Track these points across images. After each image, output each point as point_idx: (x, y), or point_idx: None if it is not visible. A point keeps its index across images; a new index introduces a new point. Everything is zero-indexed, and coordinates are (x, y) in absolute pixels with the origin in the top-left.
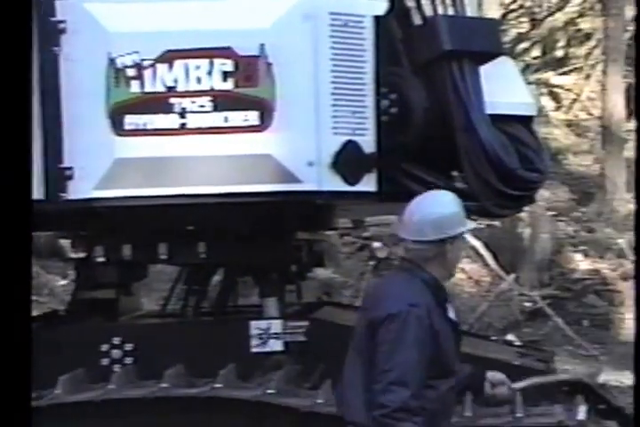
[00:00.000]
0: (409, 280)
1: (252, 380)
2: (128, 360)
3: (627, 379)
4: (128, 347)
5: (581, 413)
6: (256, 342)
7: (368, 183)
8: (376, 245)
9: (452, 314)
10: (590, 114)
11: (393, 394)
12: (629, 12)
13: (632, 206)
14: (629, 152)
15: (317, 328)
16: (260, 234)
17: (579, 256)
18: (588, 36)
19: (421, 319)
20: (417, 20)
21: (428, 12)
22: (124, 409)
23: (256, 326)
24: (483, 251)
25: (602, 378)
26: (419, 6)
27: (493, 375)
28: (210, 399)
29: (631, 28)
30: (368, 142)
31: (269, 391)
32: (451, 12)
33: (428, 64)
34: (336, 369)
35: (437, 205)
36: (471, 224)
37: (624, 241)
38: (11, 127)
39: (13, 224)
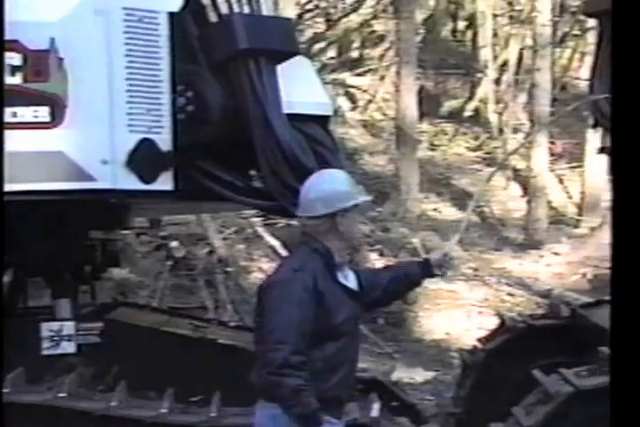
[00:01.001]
0: (299, 250)
1: (42, 383)
2: None
3: (419, 376)
4: None
5: (375, 410)
6: (47, 345)
7: (165, 182)
8: (173, 244)
9: (345, 280)
10: (385, 115)
11: (276, 352)
12: (420, 15)
13: (425, 206)
14: (422, 153)
15: (112, 329)
16: (51, 233)
17: (374, 255)
18: (381, 38)
19: (305, 282)
20: (213, 18)
21: (224, 9)
22: None
23: (47, 327)
24: (281, 250)
25: (395, 375)
26: (214, 4)
27: (435, 259)
28: None
29: (422, 31)
30: (164, 140)
31: (61, 395)
32: (246, 10)
33: (225, 62)
34: (131, 370)
35: (326, 182)
36: (362, 198)
37: (417, 240)
38: None
39: None
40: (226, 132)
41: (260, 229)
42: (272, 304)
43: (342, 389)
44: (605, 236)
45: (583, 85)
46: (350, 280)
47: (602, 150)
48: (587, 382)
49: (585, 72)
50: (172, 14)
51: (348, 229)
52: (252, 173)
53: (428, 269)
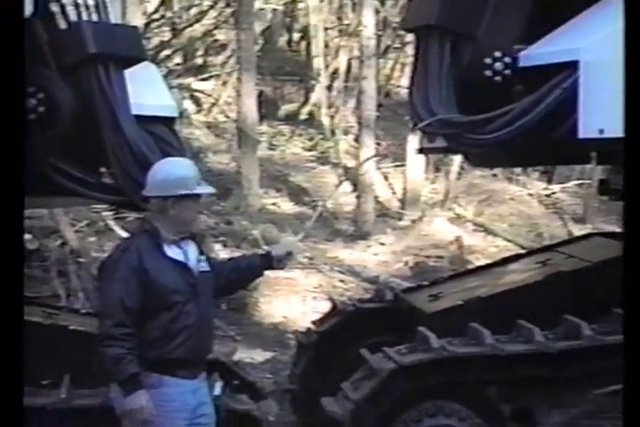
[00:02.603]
0: (136, 231)
1: None
2: None
3: (259, 356)
4: None
5: (217, 388)
6: None
7: None
8: (26, 237)
9: (177, 254)
10: (227, 117)
11: (102, 327)
12: (258, 26)
13: (265, 201)
14: (262, 152)
15: None
16: None
17: (218, 246)
18: (223, 47)
19: (129, 261)
20: (62, 25)
21: (73, 17)
22: None
23: None
24: None
25: (237, 356)
26: (63, 11)
27: (278, 255)
28: None
29: (261, 41)
30: None
31: None
32: (95, 18)
33: (75, 66)
34: None
35: (168, 168)
36: (199, 190)
37: (258, 232)
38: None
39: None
40: (77, 131)
41: (111, 223)
42: (101, 283)
43: (187, 351)
44: (424, 227)
45: (403, 92)
46: (190, 255)
47: (420, 151)
48: (406, 358)
49: (405, 80)
50: None
51: (180, 215)
52: (103, 170)
53: (269, 263)
